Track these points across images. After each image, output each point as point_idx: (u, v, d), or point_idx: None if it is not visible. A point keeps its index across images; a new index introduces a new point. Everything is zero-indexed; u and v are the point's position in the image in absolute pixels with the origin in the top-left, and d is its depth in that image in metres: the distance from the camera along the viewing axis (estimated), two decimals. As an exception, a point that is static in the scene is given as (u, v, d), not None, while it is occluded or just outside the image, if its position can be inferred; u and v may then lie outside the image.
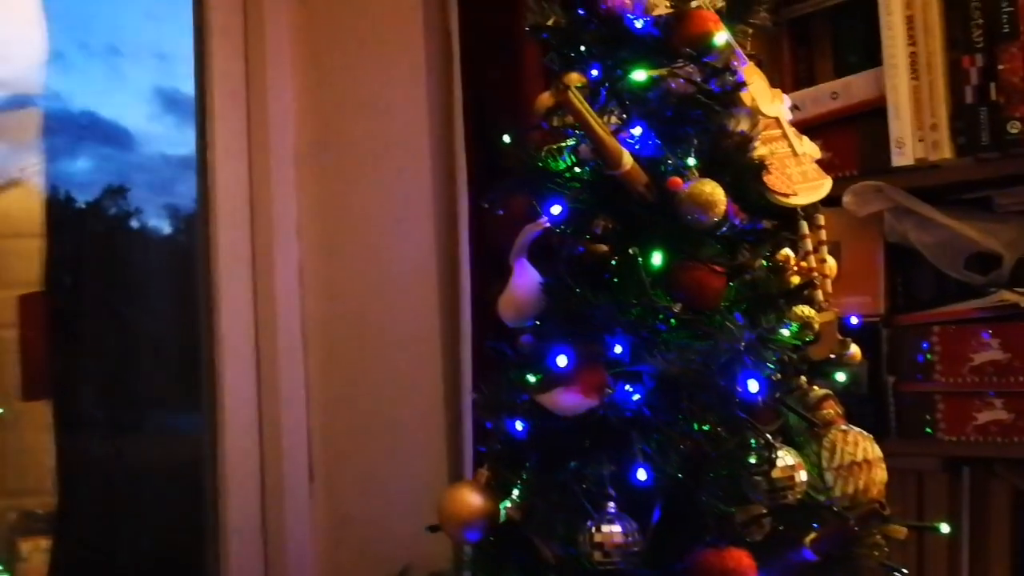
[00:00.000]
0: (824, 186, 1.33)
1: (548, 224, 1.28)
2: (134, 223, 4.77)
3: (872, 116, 1.77)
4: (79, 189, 4.40)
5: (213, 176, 1.99)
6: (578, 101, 1.21)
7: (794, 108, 1.76)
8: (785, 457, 1.17)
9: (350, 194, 1.94)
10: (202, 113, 2.04)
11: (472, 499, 1.26)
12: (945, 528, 1.38)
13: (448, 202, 1.80)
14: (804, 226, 1.32)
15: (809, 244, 1.33)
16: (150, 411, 3.59)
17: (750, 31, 1.41)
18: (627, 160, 1.23)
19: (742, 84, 1.29)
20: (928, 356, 1.71)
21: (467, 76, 1.75)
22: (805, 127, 1.74)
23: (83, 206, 4.46)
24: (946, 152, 1.67)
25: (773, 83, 1.89)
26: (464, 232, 1.72)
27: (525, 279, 1.28)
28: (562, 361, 1.20)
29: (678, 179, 1.21)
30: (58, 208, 3.97)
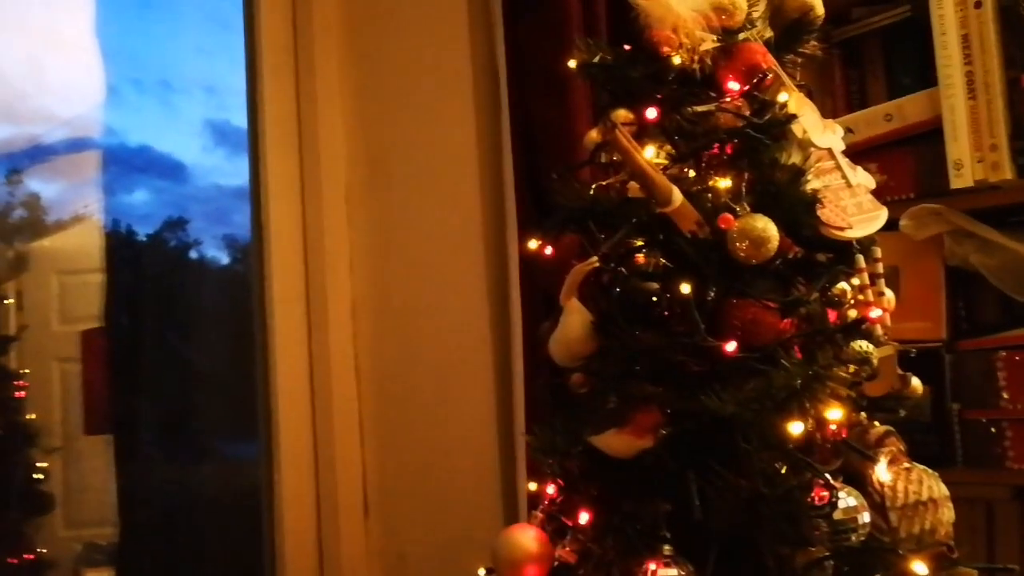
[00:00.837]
0: (880, 217, 1.30)
1: (598, 262, 1.27)
2: (192, 254, 4.86)
3: (928, 137, 1.74)
4: (138, 223, 4.49)
5: (267, 212, 2.01)
6: (625, 139, 1.21)
7: (847, 131, 1.73)
8: (847, 498, 1.14)
9: (400, 231, 1.95)
10: (255, 150, 2.07)
11: (527, 543, 1.25)
12: (1016, 568, 1.33)
13: (498, 239, 1.80)
14: (860, 259, 1.29)
15: (866, 277, 1.29)
16: (208, 443, 3.64)
17: (800, 61, 1.39)
18: (677, 197, 1.21)
19: (792, 116, 1.26)
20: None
21: (515, 112, 1.75)
22: (859, 150, 1.72)
23: (142, 240, 4.56)
24: (1007, 172, 1.63)
25: (825, 106, 1.88)
26: (514, 270, 1.71)
27: (576, 319, 1.27)
28: (614, 402, 1.19)
29: (729, 216, 1.19)
30: (117, 243, 4.07)
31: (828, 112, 1.85)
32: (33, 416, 2.87)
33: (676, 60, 1.29)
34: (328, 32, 2.05)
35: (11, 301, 3.25)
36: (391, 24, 1.99)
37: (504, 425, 1.75)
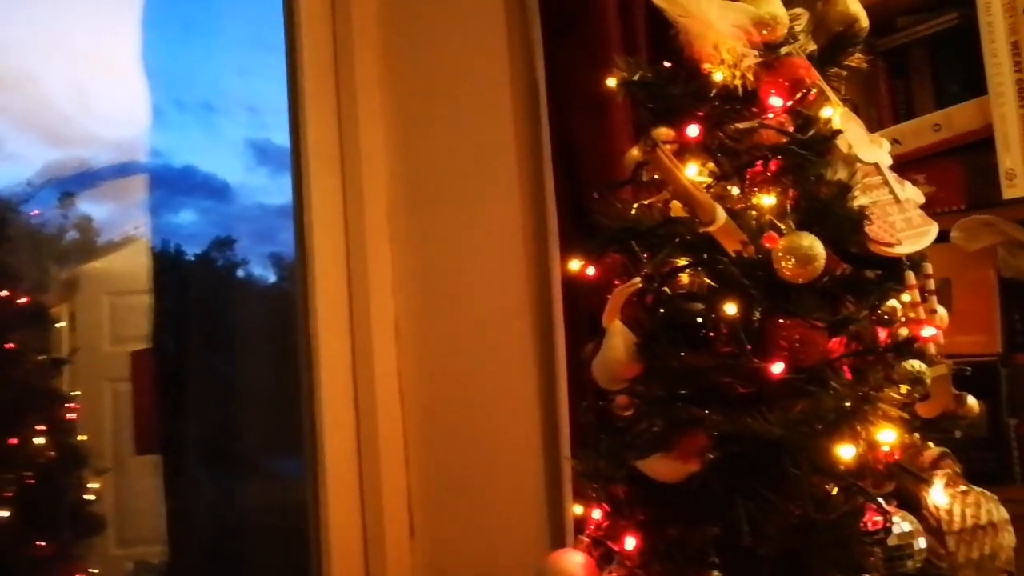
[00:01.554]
0: (930, 233, 1.27)
1: (641, 283, 1.25)
2: (239, 273, 4.92)
3: (978, 147, 1.69)
4: (185, 243, 4.56)
5: (310, 233, 2.02)
6: (666, 158, 1.19)
7: (894, 142, 1.70)
8: (902, 523, 1.11)
9: (443, 252, 1.94)
10: (297, 171, 2.08)
11: (573, 568, 1.24)
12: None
13: (540, 259, 1.77)
14: (910, 276, 1.25)
15: (917, 294, 1.26)
16: (255, 461, 3.67)
17: (844, 74, 1.36)
18: (720, 216, 1.19)
19: (837, 132, 1.24)
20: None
21: (555, 131, 1.73)
22: (907, 161, 1.68)
23: (190, 260, 4.62)
24: (1061, 182, 1.59)
25: (870, 117, 1.84)
26: (557, 290, 1.70)
27: (619, 340, 1.25)
28: (660, 425, 1.17)
29: (774, 234, 1.17)
30: (166, 264, 4.13)
31: (874, 123, 1.82)
32: (84, 438, 2.91)
33: (717, 76, 1.27)
34: (368, 54, 2.06)
35: (63, 324, 3.31)
36: (431, 45, 1.99)
37: (549, 447, 1.73)
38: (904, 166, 1.44)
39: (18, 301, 2.80)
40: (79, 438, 2.87)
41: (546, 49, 1.78)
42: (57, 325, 3.30)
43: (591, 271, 1.32)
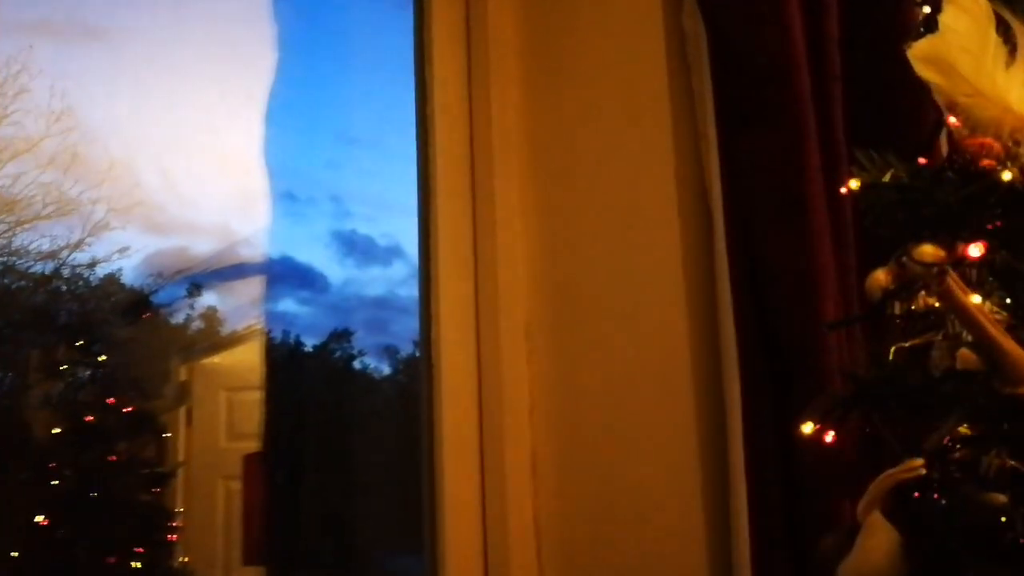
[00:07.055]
0: None
1: (916, 465, 0.84)
2: (356, 365, 4.63)
3: None
4: (297, 337, 4.30)
5: (438, 354, 1.68)
6: (960, 290, 0.79)
7: None
8: None
9: (589, 373, 1.55)
10: (426, 276, 1.75)
11: None
12: None
13: (714, 402, 1.34)
14: None
15: None
16: (371, 566, 3.30)
17: None
18: (1034, 372, 0.78)
19: None
20: None
21: (733, 243, 1.32)
22: None
23: (309, 352, 4.35)
24: None
25: None
26: (736, 445, 1.25)
27: (881, 540, 0.83)
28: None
29: None
30: (283, 358, 3.86)
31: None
32: (186, 559, 2.56)
33: (1005, 176, 0.88)
34: (508, 146, 1.72)
35: (168, 435, 3.01)
36: (582, 140, 1.64)
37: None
38: None
39: (124, 410, 2.47)
40: (181, 560, 2.52)
41: (722, 146, 1.41)
42: (164, 435, 2.99)
43: (828, 437, 0.91)
